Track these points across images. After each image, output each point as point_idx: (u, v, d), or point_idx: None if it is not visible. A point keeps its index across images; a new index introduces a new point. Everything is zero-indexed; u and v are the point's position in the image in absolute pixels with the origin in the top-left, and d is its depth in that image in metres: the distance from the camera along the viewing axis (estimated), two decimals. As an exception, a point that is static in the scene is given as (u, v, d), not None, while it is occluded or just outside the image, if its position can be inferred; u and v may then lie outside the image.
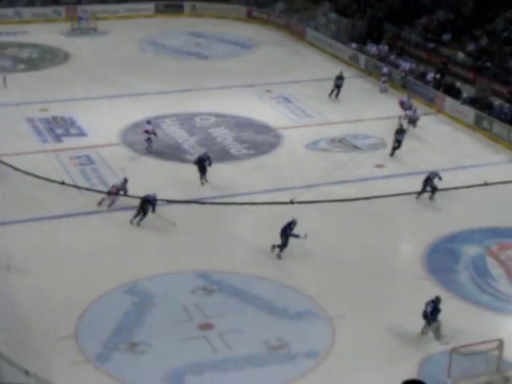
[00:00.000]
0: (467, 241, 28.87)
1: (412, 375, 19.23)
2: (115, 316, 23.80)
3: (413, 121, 37.33)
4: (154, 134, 35.43)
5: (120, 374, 21.05)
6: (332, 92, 42.17)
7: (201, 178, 31.08)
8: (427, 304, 22.48)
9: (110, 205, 28.93)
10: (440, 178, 30.41)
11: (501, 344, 21.70)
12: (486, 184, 28.00)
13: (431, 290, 25.68)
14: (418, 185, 29.85)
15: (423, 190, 30.64)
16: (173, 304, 24.57)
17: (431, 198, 30.83)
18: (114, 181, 31.01)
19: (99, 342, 22.57)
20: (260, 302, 24.81)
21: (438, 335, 22.49)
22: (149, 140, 35.59)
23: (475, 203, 29.82)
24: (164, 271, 26.18)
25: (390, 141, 36.44)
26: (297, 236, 26.16)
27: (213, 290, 25.54)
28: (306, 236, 26.07)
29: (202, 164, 30.79)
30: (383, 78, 44.01)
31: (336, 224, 28.07)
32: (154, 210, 27.92)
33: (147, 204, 27.80)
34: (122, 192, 28.75)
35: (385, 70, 44.43)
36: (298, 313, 24.39)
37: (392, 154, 35.09)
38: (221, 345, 22.79)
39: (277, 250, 26.67)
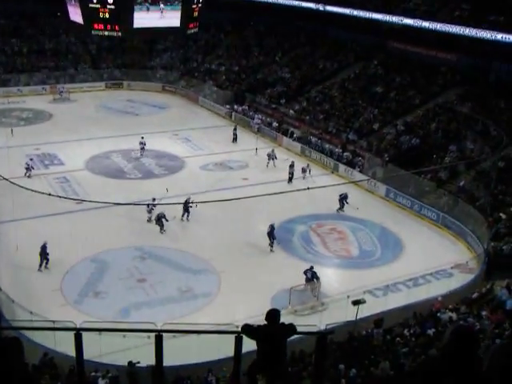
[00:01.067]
0: (298, 222, 29.42)
1: (267, 305, 19.40)
2: (85, 275, 23.51)
3: (273, 157, 36.51)
4: (145, 145, 37.25)
5: (90, 311, 20.77)
6: (234, 139, 41.17)
7: (182, 216, 28.23)
8: (310, 270, 22.58)
9: (149, 219, 27.83)
10: (347, 198, 30.15)
11: (319, 284, 22.49)
12: (308, 188, 28.45)
13: (277, 252, 26.13)
14: (265, 190, 29.54)
15: (341, 206, 30.32)
16: (120, 266, 24.35)
17: (341, 209, 30.35)
18: (81, 192, 30.46)
19: (75, 291, 22.32)
20: (175, 264, 24.79)
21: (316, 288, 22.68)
22: (142, 149, 37.25)
23: (302, 200, 30.01)
24: (115, 246, 25.79)
25: (251, 163, 36.83)
26: (275, 237, 26.09)
27: (145, 257, 25.32)
28: (278, 243, 26.27)
29: (186, 206, 28.00)
30: (256, 126, 43.65)
31: (218, 214, 28.06)
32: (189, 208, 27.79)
33: (186, 205, 27.57)
34: (152, 205, 27.36)
35: (256, 120, 44.05)
36: (198, 270, 24.49)
37: (289, 181, 33.64)
38: (151, 291, 22.76)
39: (269, 245, 26.12)
